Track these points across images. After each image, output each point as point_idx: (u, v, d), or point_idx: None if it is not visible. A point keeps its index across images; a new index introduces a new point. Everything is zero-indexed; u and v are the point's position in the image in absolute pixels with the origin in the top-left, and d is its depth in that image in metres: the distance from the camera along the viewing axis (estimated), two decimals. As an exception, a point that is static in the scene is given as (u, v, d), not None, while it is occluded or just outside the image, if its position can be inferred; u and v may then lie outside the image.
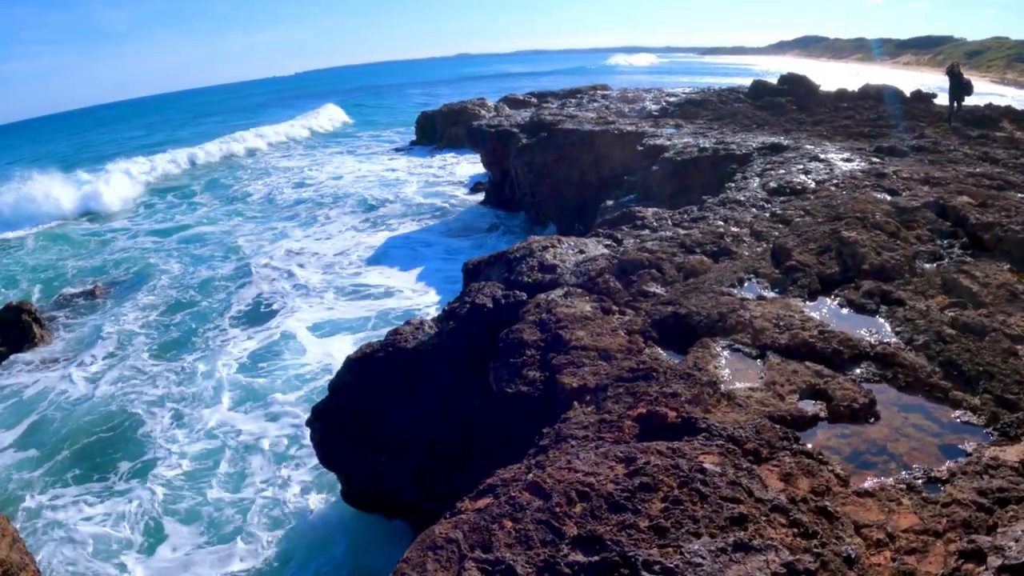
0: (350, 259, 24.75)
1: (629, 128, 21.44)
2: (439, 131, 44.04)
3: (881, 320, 6.91)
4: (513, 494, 4.65)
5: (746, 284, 8.07)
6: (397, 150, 45.50)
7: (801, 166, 12.86)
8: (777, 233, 9.39)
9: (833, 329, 6.65)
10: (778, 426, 5.26)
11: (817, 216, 9.72)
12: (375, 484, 10.89)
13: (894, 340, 6.47)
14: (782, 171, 12.84)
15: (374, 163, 42.27)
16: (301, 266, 24.10)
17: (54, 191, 37.73)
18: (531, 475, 4.80)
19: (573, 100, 32.55)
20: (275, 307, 20.47)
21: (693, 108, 23.37)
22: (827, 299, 7.55)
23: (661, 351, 7.10)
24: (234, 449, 13.41)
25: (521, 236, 24.07)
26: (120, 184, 40.00)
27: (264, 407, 14.76)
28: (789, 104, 21.38)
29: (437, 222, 28.30)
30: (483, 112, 40.48)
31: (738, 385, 6.08)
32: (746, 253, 8.95)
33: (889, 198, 10.08)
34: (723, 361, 6.58)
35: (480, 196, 30.69)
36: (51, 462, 13.66)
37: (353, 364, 10.75)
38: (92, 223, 35.29)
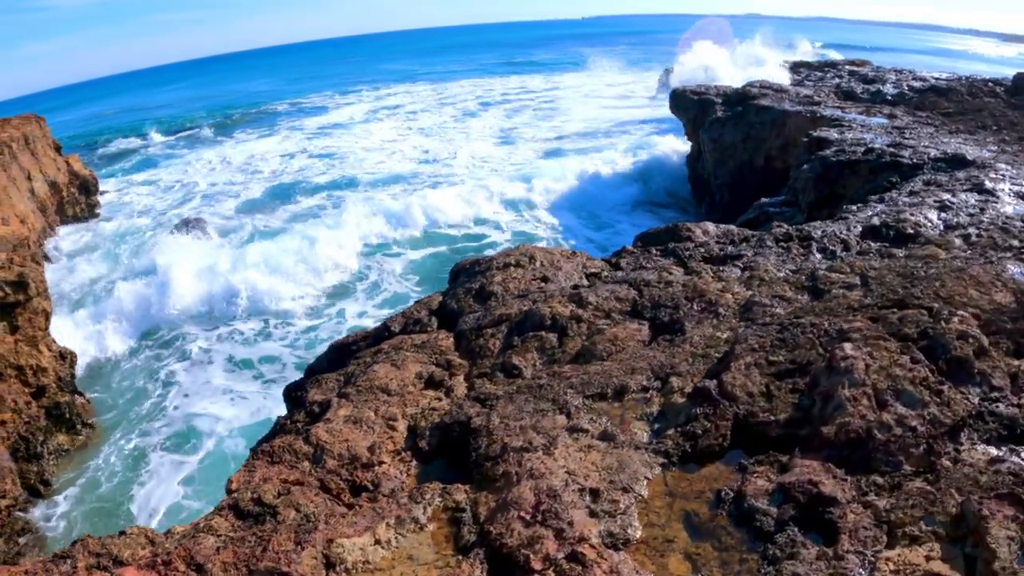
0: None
1: (828, 112, 16.20)
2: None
3: None
4: None
5: (628, 398, 4.39)
6: (636, 104, 41.84)
7: (948, 196, 7.81)
8: (781, 311, 5.31)
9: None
10: None
11: (873, 291, 5.38)
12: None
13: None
14: (916, 199, 7.93)
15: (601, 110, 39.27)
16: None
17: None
18: None
19: (818, 73, 26.63)
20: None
21: (933, 97, 17.12)
22: (712, 471, 3.70)
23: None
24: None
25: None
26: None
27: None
28: (1053, 106, 14.63)
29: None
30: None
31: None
32: (697, 337, 5.06)
33: (1028, 281, 5.33)
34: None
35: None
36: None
37: (333, 351, 8.78)
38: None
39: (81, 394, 14.24)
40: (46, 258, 20.14)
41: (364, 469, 4.33)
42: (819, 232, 7.18)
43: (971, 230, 6.66)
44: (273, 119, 47.47)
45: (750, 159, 18.83)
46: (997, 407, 3.95)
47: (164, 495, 10.90)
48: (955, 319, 4.62)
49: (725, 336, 4.97)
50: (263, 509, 3.87)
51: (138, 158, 38.31)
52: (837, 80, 23.57)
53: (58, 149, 25.60)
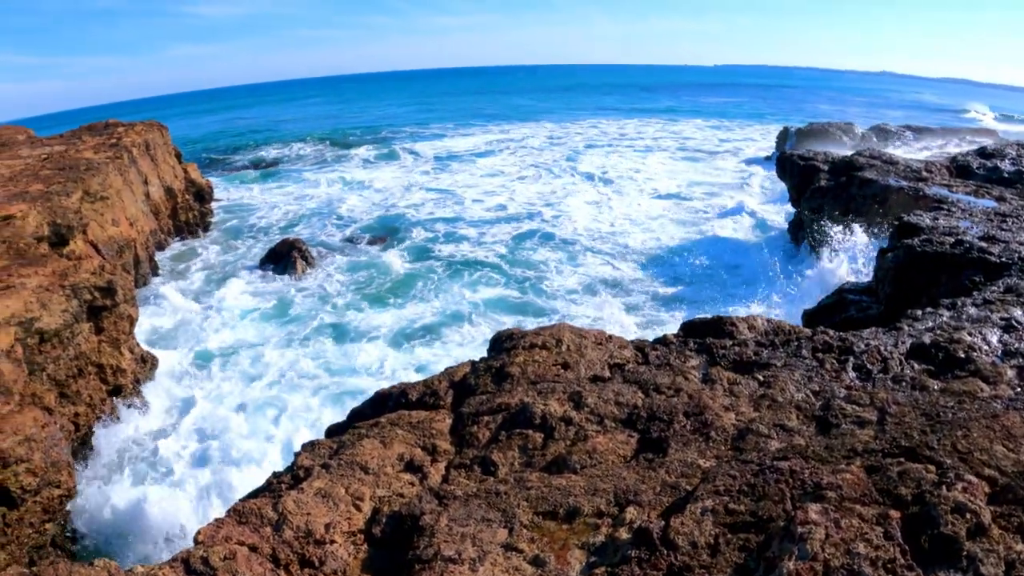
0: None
1: (932, 191, 15.14)
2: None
3: None
4: None
5: (578, 521, 4.18)
6: (748, 161, 40.29)
7: (1018, 312, 6.98)
8: (774, 445, 4.91)
9: None
10: None
11: (887, 432, 4.86)
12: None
13: None
14: (983, 313, 7.16)
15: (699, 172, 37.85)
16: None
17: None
18: None
19: (939, 141, 25.06)
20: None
21: (1056, 178, 15.74)
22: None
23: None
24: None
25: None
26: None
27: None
28: None
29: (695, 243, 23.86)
30: (845, 138, 33.57)
31: None
32: (676, 462, 4.76)
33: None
34: None
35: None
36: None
37: (376, 398, 9.12)
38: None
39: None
40: (151, 260, 21.53)
41: (316, 545, 4.48)
42: (862, 345, 6.65)
43: (1036, 363, 5.97)
44: (392, 145, 49.33)
45: (850, 234, 17.82)
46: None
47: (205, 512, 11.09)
48: (959, 485, 4.14)
49: (705, 465, 4.67)
50: (207, 569, 4.07)
51: (256, 170, 40.67)
52: (957, 150, 22.04)
53: (178, 156, 27.56)
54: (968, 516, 3.91)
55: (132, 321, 14.82)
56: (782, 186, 26.28)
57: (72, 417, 12.36)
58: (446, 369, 8.02)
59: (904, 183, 16.34)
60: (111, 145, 22.20)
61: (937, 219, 11.81)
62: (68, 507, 10.84)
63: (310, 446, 6.11)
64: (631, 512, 4.20)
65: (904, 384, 5.75)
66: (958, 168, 18.43)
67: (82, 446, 12.47)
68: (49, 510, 10.63)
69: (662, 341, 7.89)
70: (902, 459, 4.56)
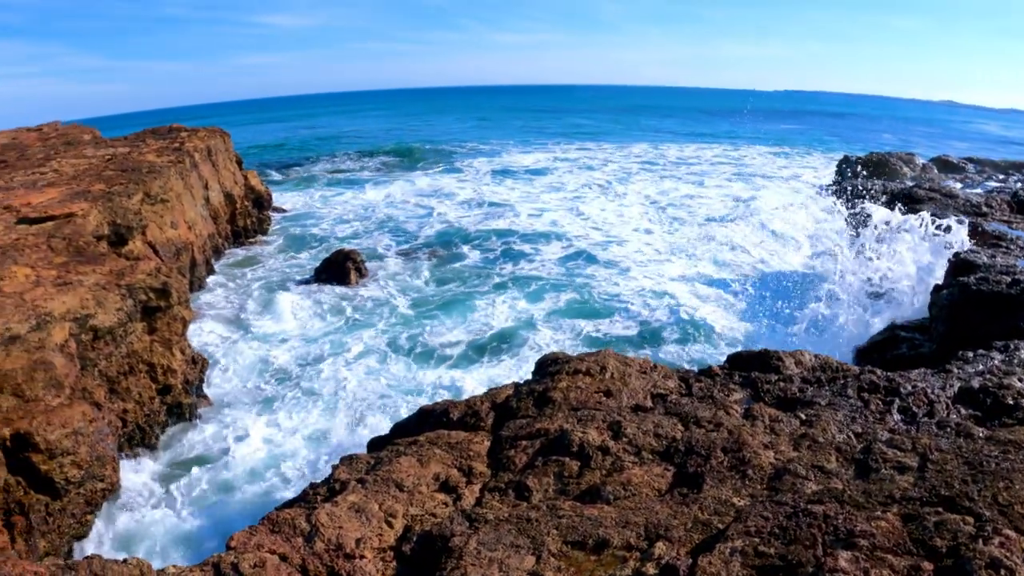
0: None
1: (991, 227, 14.73)
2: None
3: None
4: None
5: (606, 553, 4.26)
6: (807, 189, 39.58)
7: None
8: (811, 488, 4.89)
9: None
10: None
11: (927, 479, 4.82)
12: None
13: None
14: None
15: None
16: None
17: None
18: None
19: (1000, 176, 24.38)
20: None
21: None
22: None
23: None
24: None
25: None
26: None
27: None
28: None
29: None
30: (905, 169, 32.83)
31: None
32: (710, 499, 4.79)
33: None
34: None
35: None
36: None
37: (417, 414, 9.37)
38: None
39: (206, 397, 15.34)
40: (208, 264, 22.08)
41: (346, 559, 4.67)
42: (909, 387, 6.59)
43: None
44: (453, 159, 49.80)
45: (904, 267, 17.46)
46: None
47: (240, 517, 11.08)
48: (996, 540, 4.12)
49: (739, 504, 4.71)
50: (236, 575, 4.30)
51: (317, 180, 41.31)
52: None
53: (239, 163, 28.20)
54: (1003, 573, 3.89)
55: (185, 323, 15.26)
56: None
57: (120, 413, 12.79)
58: (489, 390, 8.17)
59: (963, 218, 15.97)
60: (174, 149, 22.89)
61: (994, 257, 11.55)
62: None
63: (348, 460, 6.32)
64: (660, 547, 4.27)
65: (949, 430, 5.69)
66: (1019, 204, 17.96)
67: (128, 442, 12.82)
68: (92, 503, 11.05)
69: (707, 372, 7.93)
70: (940, 508, 4.54)
